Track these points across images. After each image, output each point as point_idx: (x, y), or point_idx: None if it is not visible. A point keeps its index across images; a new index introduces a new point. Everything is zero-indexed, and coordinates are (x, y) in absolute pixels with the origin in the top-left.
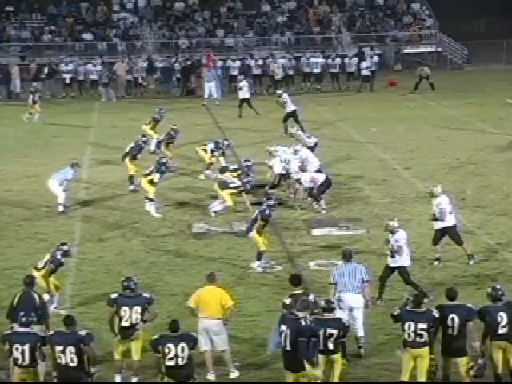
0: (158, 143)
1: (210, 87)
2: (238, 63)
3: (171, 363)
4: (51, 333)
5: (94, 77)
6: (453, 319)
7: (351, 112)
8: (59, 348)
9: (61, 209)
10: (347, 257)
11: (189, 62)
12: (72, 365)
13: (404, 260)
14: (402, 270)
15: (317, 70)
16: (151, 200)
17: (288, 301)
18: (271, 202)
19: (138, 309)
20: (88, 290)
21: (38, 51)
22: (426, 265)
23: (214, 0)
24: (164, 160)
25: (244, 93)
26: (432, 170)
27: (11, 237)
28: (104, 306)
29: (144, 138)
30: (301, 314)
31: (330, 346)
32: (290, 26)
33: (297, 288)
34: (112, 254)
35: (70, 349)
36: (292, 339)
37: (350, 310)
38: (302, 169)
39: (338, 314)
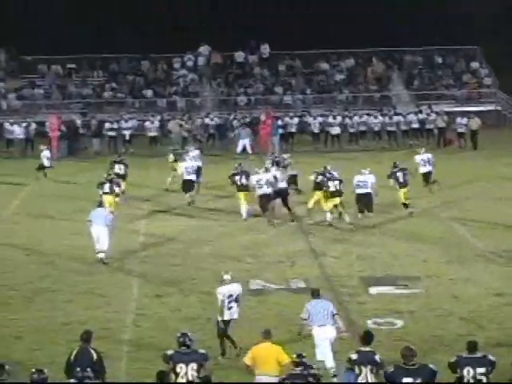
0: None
1: (245, 144)
2: (295, 120)
3: None
4: None
5: (152, 133)
6: None
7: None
8: None
9: (102, 256)
10: (316, 294)
11: (247, 119)
12: None
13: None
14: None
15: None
16: None
17: (354, 356)
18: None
19: (194, 365)
20: (144, 347)
21: (99, 108)
22: (484, 324)
23: (273, 58)
24: None
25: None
26: (490, 229)
27: (70, 292)
28: (161, 362)
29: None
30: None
31: None
32: (348, 83)
33: (366, 345)
34: (169, 310)
35: None
36: None
37: (327, 341)
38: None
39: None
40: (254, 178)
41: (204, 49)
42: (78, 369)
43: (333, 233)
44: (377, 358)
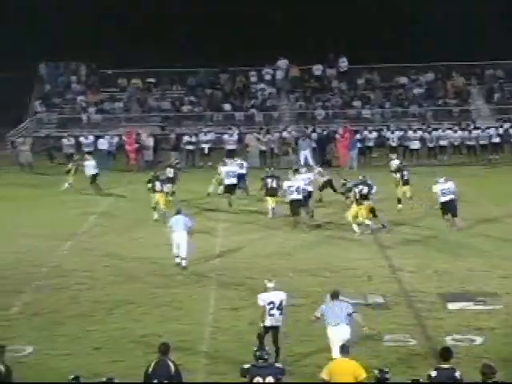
0: None
1: (306, 155)
2: (374, 134)
3: None
4: None
5: (230, 147)
6: None
7: (490, 186)
8: None
9: (184, 264)
10: (334, 296)
11: (325, 133)
12: None
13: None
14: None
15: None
16: None
17: (434, 373)
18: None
19: (270, 379)
20: (221, 360)
21: (177, 121)
22: None
23: (352, 72)
24: None
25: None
26: None
27: (147, 304)
28: (237, 375)
29: None
30: None
31: None
32: (427, 97)
33: (445, 362)
34: (245, 324)
35: None
36: None
37: (343, 339)
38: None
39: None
40: (285, 184)
41: (282, 62)
42: (156, 381)
43: (407, 246)
44: (457, 374)
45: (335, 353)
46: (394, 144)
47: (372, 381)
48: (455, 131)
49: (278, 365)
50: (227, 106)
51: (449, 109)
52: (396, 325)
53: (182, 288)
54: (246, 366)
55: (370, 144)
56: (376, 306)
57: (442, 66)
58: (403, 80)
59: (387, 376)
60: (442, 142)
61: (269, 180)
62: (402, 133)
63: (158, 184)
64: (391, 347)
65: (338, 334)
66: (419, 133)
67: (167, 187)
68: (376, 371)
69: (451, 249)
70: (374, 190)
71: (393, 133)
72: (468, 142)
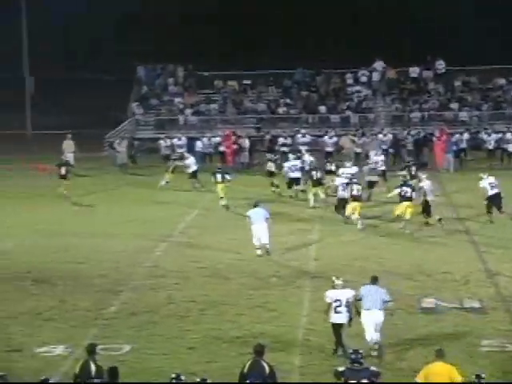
0: None
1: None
2: (465, 136)
3: None
4: None
5: (329, 148)
6: None
7: None
8: None
9: (262, 252)
10: (373, 280)
11: (421, 135)
12: None
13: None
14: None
15: None
16: None
17: None
18: None
19: (365, 382)
20: (316, 361)
21: (273, 123)
22: None
23: (449, 74)
24: None
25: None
26: None
27: (242, 305)
28: (331, 377)
29: None
30: None
31: None
32: None
33: None
34: None
35: None
36: None
37: (376, 323)
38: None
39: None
40: (338, 181)
41: (378, 64)
42: (248, 381)
43: (503, 250)
44: None
45: (368, 335)
46: (490, 147)
47: None
48: None
49: (372, 368)
50: (322, 108)
51: None
52: (493, 330)
53: (276, 290)
54: (341, 368)
55: (464, 146)
56: (472, 310)
57: None
58: (501, 82)
59: (483, 381)
60: None
61: (313, 172)
62: (499, 135)
63: (218, 176)
64: (488, 352)
65: (371, 318)
66: None
67: (228, 176)
68: (472, 376)
69: None
70: (416, 190)
71: (490, 135)
72: None
